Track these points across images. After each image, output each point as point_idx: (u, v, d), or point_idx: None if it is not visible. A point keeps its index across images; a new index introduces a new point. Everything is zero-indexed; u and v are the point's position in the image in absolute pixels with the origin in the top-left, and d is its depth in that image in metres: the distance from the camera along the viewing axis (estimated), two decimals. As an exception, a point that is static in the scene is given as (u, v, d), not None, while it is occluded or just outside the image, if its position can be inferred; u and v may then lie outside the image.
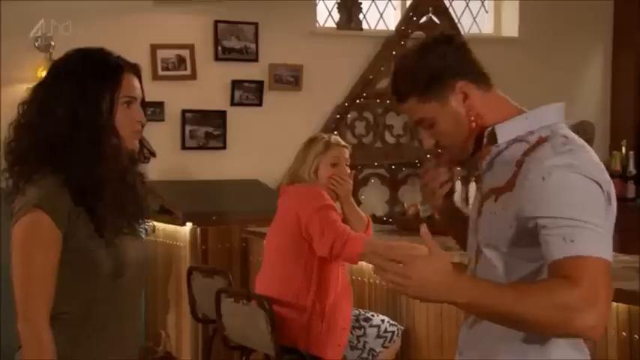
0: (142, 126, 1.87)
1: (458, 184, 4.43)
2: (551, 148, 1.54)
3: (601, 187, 1.52)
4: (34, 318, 1.74)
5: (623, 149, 5.81)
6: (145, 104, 1.90)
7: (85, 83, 1.80)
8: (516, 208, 1.54)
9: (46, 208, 1.75)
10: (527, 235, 1.53)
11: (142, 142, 1.92)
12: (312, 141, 3.17)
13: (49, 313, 1.76)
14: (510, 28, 5.91)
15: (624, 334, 2.45)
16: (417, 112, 1.65)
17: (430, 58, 1.63)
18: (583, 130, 5.99)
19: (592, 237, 1.47)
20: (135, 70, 1.89)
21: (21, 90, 4.95)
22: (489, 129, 1.62)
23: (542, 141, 1.56)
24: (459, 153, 1.67)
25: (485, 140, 1.63)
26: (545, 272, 1.53)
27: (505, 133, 1.60)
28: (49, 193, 1.77)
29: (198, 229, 4.43)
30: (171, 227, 4.52)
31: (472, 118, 1.61)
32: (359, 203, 5.26)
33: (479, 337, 1.64)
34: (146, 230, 1.95)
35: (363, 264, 3.16)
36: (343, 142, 3.18)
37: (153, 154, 1.95)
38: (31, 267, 1.75)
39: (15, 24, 4.67)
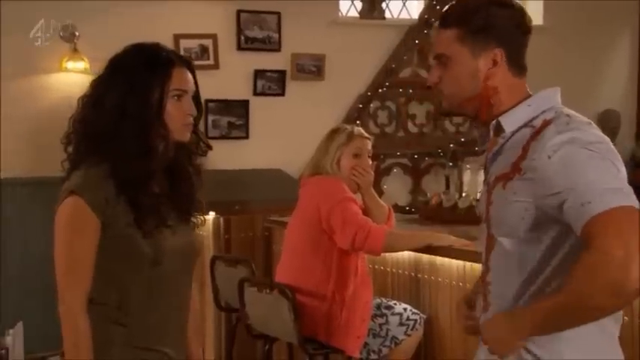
0: (194, 119, 1.88)
1: (481, 174, 4.41)
2: (554, 129, 1.54)
3: (607, 158, 1.51)
4: (69, 302, 1.77)
5: (649, 138, 5.76)
6: (198, 98, 1.92)
7: (134, 76, 1.83)
8: (529, 192, 1.54)
9: (83, 194, 1.78)
10: (544, 217, 1.53)
11: (199, 135, 1.94)
12: (334, 132, 3.17)
13: (86, 298, 1.78)
14: (536, 16, 5.86)
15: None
16: (446, 45, 1.64)
17: (495, 12, 1.62)
18: (609, 118, 5.94)
19: (607, 192, 1.44)
20: (187, 64, 1.90)
21: (47, 79, 5.01)
22: (494, 122, 1.63)
23: (546, 124, 1.57)
24: (449, 104, 1.67)
25: (491, 132, 1.63)
26: (561, 252, 1.53)
27: (510, 122, 1.61)
28: (89, 180, 1.80)
29: (221, 219, 4.45)
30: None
31: (488, 84, 1.62)
32: (381, 193, 5.26)
33: None
34: (195, 223, 1.96)
35: (385, 253, 3.16)
36: (366, 134, 3.17)
37: (209, 147, 1.96)
38: (68, 251, 1.78)
39: (37, 13, 4.70)
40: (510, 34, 1.63)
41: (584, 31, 5.86)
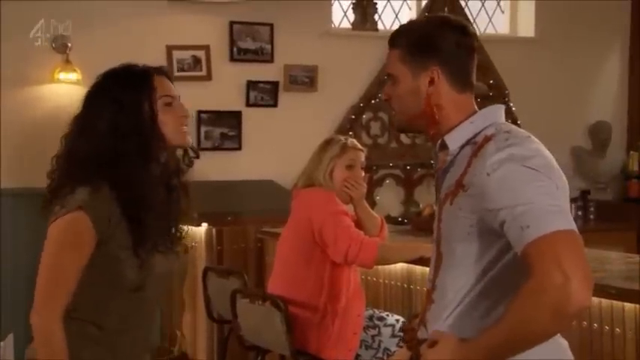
0: (187, 118, 1.90)
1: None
2: (494, 145, 1.57)
3: (543, 173, 1.52)
4: (46, 316, 1.76)
5: (641, 149, 5.77)
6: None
7: (120, 96, 1.84)
8: (472, 208, 1.56)
9: (89, 210, 1.78)
10: (488, 232, 1.55)
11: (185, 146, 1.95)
12: (328, 143, 3.17)
13: (62, 312, 1.77)
14: (527, 28, 5.89)
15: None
16: (392, 65, 1.72)
17: (435, 32, 1.68)
18: (600, 130, 5.97)
19: (544, 215, 1.47)
20: (163, 71, 1.93)
21: (39, 90, 5.00)
22: (440, 141, 1.67)
23: (487, 140, 1.60)
24: (398, 120, 1.74)
25: (439, 151, 1.68)
26: (504, 263, 1.55)
27: (454, 140, 1.65)
28: (94, 198, 1.79)
29: (214, 230, 4.44)
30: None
31: (430, 102, 1.66)
32: (374, 204, 5.27)
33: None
34: (185, 245, 1.97)
35: (377, 266, 3.15)
36: (360, 146, 3.17)
37: (197, 156, 1.98)
38: (58, 264, 1.78)
39: (21, 24, 4.69)
40: (450, 53, 1.67)
41: (575, 43, 5.89)
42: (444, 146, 1.66)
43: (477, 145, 1.60)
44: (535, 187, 1.50)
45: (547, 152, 1.58)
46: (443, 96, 1.66)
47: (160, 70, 1.91)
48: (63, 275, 1.77)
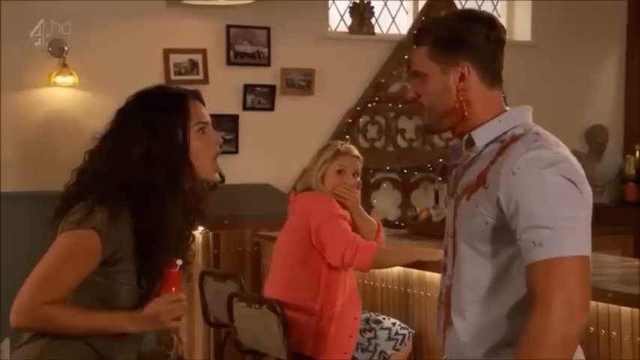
0: (219, 146, 1.87)
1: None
2: (522, 145, 1.56)
3: (569, 180, 1.53)
4: (31, 304, 1.72)
5: (637, 153, 5.78)
6: None
7: (154, 122, 1.79)
8: (490, 204, 1.56)
9: (102, 235, 1.74)
10: (502, 230, 1.55)
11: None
12: (324, 148, 3.18)
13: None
14: (523, 32, 5.89)
15: (639, 339, 2.43)
16: (419, 62, 1.68)
17: (463, 26, 1.65)
18: (596, 134, 5.97)
19: (560, 236, 1.48)
20: (197, 95, 1.89)
21: (36, 94, 4.98)
22: (466, 136, 1.65)
23: (515, 139, 1.59)
24: (428, 118, 1.71)
25: (464, 147, 1.65)
26: (516, 272, 1.55)
27: (482, 137, 1.63)
28: (111, 224, 1.75)
29: (210, 234, 4.44)
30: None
31: (460, 99, 1.64)
32: (371, 207, 5.26)
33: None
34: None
35: (374, 269, 3.15)
36: (355, 152, 3.15)
37: (223, 179, 1.94)
38: (57, 270, 1.75)
39: (26, 24, 4.68)
40: (479, 47, 1.64)
41: (571, 47, 5.90)
42: (470, 142, 1.64)
43: (503, 144, 1.59)
44: (558, 198, 1.50)
45: (574, 158, 1.58)
46: (473, 92, 1.64)
47: (194, 94, 1.88)
48: (55, 282, 1.74)
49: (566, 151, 1.58)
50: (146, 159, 1.78)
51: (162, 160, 1.78)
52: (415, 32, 1.71)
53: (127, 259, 1.78)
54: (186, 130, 1.81)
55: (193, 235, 1.93)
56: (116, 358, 1.85)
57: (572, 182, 1.52)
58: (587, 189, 1.56)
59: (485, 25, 1.65)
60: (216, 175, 1.87)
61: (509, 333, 1.56)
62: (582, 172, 1.57)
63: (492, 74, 1.66)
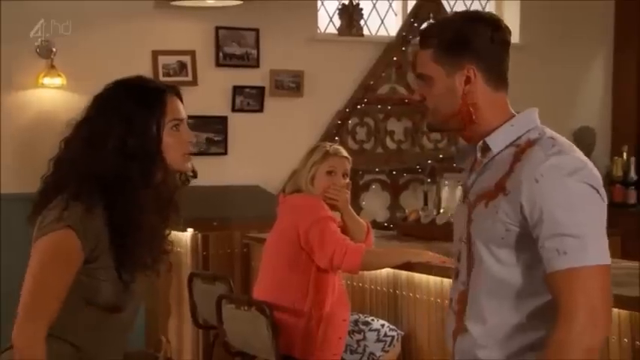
0: (192, 144, 1.87)
1: (459, 190, 4.43)
2: (541, 151, 1.56)
3: (592, 186, 1.54)
4: (31, 334, 1.72)
5: (625, 155, 5.81)
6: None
7: (130, 115, 1.79)
8: (512, 212, 1.55)
9: (79, 231, 1.74)
10: (524, 238, 1.55)
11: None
12: (313, 149, 3.18)
13: (46, 330, 1.74)
14: (512, 34, 5.90)
15: (626, 340, 2.44)
16: (424, 65, 1.66)
17: (467, 28, 1.64)
18: (584, 135, 6.00)
19: (584, 244, 1.49)
20: (176, 91, 1.88)
21: (24, 95, 4.95)
22: (481, 143, 1.63)
23: (531, 144, 1.59)
24: (433, 120, 1.70)
25: (479, 153, 1.64)
26: (538, 276, 1.55)
27: (496, 142, 1.62)
28: (86, 218, 1.75)
29: (200, 235, 4.43)
30: (172, 233, 4.52)
31: (467, 102, 1.63)
32: (360, 209, 5.27)
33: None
34: (168, 261, 1.93)
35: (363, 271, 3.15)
36: (344, 153, 3.16)
37: (195, 175, 1.94)
38: (44, 282, 1.74)
39: (14, 25, 4.66)
40: (484, 50, 1.63)
41: (560, 49, 5.93)
42: (485, 149, 1.63)
43: (519, 149, 1.59)
44: (582, 206, 1.51)
45: (590, 161, 1.58)
46: (479, 95, 1.63)
47: (173, 90, 1.87)
48: (49, 294, 1.74)
49: (583, 155, 1.59)
50: (121, 151, 1.78)
51: (136, 154, 1.78)
52: (421, 34, 1.70)
53: (105, 255, 1.78)
54: (161, 125, 1.80)
55: (169, 228, 1.92)
56: (100, 359, 1.84)
57: (595, 188, 1.54)
58: (604, 192, 1.58)
59: (490, 26, 1.64)
60: (188, 166, 1.86)
61: (531, 338, 1.57)
62: (600, 176, 1.58)
63: (498, 76, 1.65)
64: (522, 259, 1.57)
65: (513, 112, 1.67)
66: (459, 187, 4.44)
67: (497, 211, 1.56)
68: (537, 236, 1.52)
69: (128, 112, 1.79)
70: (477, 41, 1.62)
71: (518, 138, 1.61)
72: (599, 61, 6.17)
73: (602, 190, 1.56)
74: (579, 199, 1.51)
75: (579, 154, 1.58)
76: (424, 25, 1.74)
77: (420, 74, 1.68)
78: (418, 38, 1.71)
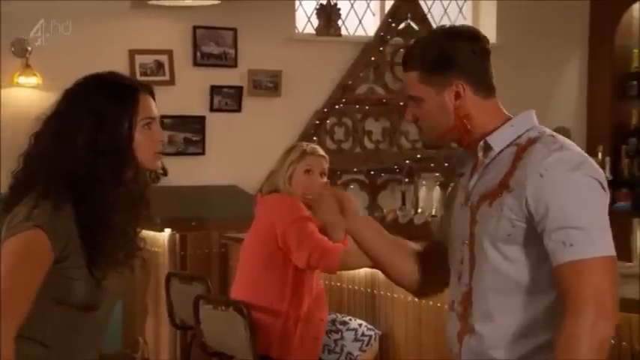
0: (163, 143, 1.86)
1: (436, 190, 4.45)
2: (544, 147, 1.59)
3: (596, 179, 1.57)
4: (4, 331, 1.68)
5: (600, 155, 5.86)
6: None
7: (102, 111, 1.77)
8: (518, 208, 1.57)
9: (48, 230, 1.72)
10: (530, 234, 1.57)
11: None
12: (290, 149, 3.17)
13: (16, 331, 1.71)
14: (488, 34, 5.90)
15: (624, 344, 2.43)
16: (412, 87, 1.69)
17: (448, 45, 1.66)
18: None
19: (590, 236, 1.51)
20: (149, 89, 1.86)
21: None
22: (481, 142, 1.65)
23: (531, 142, 1.61)
24: (428, 138, 1.73)
25: (480, 153, 1.65)
26: (546, 271, 1.56)
27: (497, 141, 1.65)
28: (55, 216, 1.73)
29: (177, 235, 4.41)
30: (149, 233, 4.51)
31: (460, 115, 1.65)
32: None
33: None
34: (142, 257, 1.91)
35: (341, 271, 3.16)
36: (321, 152, 3.16)
37: (165, 173, 1.93)
38: (16, 282, 1.71)
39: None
40: (467, 63, 1.66)
41: (535, 50, 5.97)
42: (487, 148, 1.65)
43: (520, 147, 1.61)
44: (587, 199, 1.54)
45: (590, 158, 1.61)
46: (471, 106, 1.66)
47: (146, 88, 1.85)
48: (18, 296, 1.70)
49: (583, 151, 1.61)
50: (91, 148, 1.75)
51: (106, 152, 1.76)
52: (404, 57, 1.72)
53: (76, 254, 1.76)
54: (133, 123, 1.79)
55: (141, 225, 1.90)
56: (75, 359, 1.82)
57: (599, 181, 1.56)
58: (607, 187, 1.60)
59: (470, 39, 1.67)
60: (158, 164, 1.85)
61: (542, 336, 1.58)
62: (602, 171, 1.61)
63: (485, 85, 1.68)
64: (529, 255, 1.59)
65: (509, 114, 1.70)
66: (437, 188, 4.49)
67: (503, 208, 1.58)
68: (543, 230, 1.53)
69: (99, 107, 1.77)
70: (459, 57, 1.65)
71: (519, 137, 1.64)
72: (575, 62, 6.22)
73: (605, 184, 1.59)
74: (584, 192, 1.54)
75: (580, 150, 1.61)
76: (405, 50, 1.74)
77: (410, 96, 1.70)
78: (402, 60, 1.72)
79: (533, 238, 1.57)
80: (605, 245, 1.53)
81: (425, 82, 1.66)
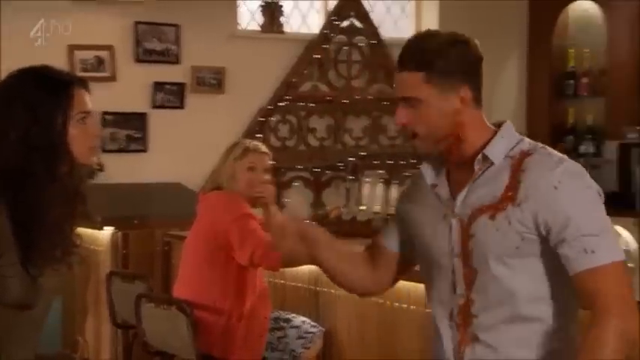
0: (98, 138, 1.82)
1: (379, 187, 4.49)
2: (546, 158, 1.62)
3: (595, 186, 1.63)
4: None
5: (539, 153, 5.99)
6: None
7: (36, 105, 1.73)
8: (528, 220, 1.59)
9: None
10: (540, 243, 1.59)
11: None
12: (232, 146, 3.17)
13: None
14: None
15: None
16: (413, 88, 1.64)
17: (459, 51, 1.65)
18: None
19: (608, 242, 1.57)
20: (84, 83, 1.83)
21: None
22: (479, 155, 1.64)
23: (527, 154, 1.63)
24: (425, 145, 1.68)
25: (478, 166, 1.65)
26: (556, 273, 1.60)
27: (495, 154, 1.65)
28: None
29: (119, 234, 4.35)
30: (89, 231, 4.43)
31: (457, 121, 1.65)
32: (282, 206, 5.27)
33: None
34: (79, 255, 1.88)
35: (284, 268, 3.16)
36: (263, 149, 3.16)
37: (101, 169, 1.90)
38: None
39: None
40: (472, 70, 1.67)
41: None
42: (485, 160, 1.64)
43: (514, 160, 1.62)
44: (598, 207, 1.59)
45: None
46: (468, 114, 1.65)
47: (81, 82, 1.82)
48: None
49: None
50: (24, 142, 1.72)
51: (40, 146, 1.73)
52: (403, 57, 1.67)
53: (10, 251, 1.72)
54: (67, 117, 1.76)
55: (77, 221, 1.87)
56: (11, 359, 1.79)
57: (597, 190, 1.62)
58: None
59: (468, 45, 1.68)
60: (94, 159, 1.83)
61: (557, 339, 1.61)
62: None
63: (479, 93, 1.69)
64: (536, 266, 1.61)
65: (489, 125, 1.70)
66: (380, 185, 4.52)
67: (510, 222, 1.59)
68: (562, 240, 1.56)
69: (33, 101, 1.74)
70: (468, 63, 1.66)
71: (511, 149, 1.65)
72: (514, 61, 6.34)
73: (602, 193, 1.65)
74: (595, 201, 1.60)
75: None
76: (404, 48, 1.67)
77: (408, 97, 1.65)
78: (399, 61, 1.67)
79: (543, 249, 1.59)
80: (618, 249, 1.59)
81: (430, 85, 1.62)
